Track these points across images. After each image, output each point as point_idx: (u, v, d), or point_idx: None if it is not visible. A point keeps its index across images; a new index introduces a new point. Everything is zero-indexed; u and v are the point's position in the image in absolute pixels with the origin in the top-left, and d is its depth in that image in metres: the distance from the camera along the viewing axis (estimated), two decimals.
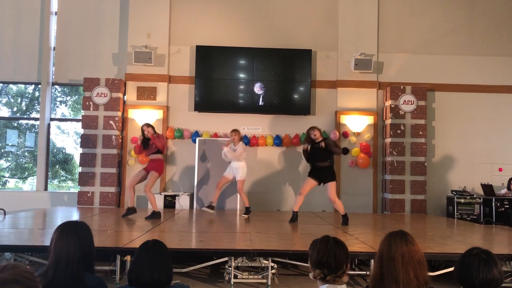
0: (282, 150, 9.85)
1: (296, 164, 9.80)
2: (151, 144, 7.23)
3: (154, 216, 7.15)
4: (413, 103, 9.54)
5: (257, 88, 9.74)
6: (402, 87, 9.62)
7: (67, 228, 2.44)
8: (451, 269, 4.51)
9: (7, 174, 10.80)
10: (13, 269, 1.49)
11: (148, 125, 7.38)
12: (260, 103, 9.75)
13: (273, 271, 5.08)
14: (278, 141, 9.72)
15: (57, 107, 10.71)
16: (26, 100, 10.89)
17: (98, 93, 9.40)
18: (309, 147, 7.07)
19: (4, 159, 10.76)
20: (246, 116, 9.79)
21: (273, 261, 4.98)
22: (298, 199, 7.18)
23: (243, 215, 7.81)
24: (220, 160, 8.16)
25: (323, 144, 6.89)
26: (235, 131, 7.85)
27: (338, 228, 6.73)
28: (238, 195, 8.62)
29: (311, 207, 9.55)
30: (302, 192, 7.13)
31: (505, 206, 8.93)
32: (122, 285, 2.49)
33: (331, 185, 6.92)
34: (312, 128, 7.10)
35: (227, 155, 7.77)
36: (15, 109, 10.76)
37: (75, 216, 7.71)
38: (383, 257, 2.21)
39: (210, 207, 7.77)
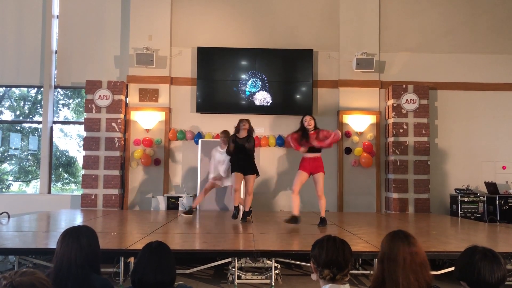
0: (284, 151, 9.84)
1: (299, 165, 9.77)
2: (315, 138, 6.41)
3: (324, 223, 6.62)
4: (416, 102, 9.52)
5: (259, 89, 9.74)
6: (404, 86, 9.60)
7: (68, 234, 2.48)
8: None
9: (10, 178, 10.83)
10: (32, 274, 1.55)
11: (312, 117, 6.64)
12: (262, 104, 9.75)
13: (277, 271, 5.08)
14: (281, 141, 9.71)
15: (60, 110, 10.74)
16: (29, 103, 10.92)
17: (100, 95, 9.42)
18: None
19: (7, 162, 10.80)
20: (248, 117, 9.75)
21: (276, 262, 4.99)
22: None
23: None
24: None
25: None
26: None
27: (341, 228, 6.72)
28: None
29: (314, 207, 9.53)
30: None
31: (509, 204, 8.91)
32: (125, 287, 2.50)
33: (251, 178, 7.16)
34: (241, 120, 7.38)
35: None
36: (18, 112, 10.80)
37: (78, 218, 7.72)
38: (384, 259, 2.19)
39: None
